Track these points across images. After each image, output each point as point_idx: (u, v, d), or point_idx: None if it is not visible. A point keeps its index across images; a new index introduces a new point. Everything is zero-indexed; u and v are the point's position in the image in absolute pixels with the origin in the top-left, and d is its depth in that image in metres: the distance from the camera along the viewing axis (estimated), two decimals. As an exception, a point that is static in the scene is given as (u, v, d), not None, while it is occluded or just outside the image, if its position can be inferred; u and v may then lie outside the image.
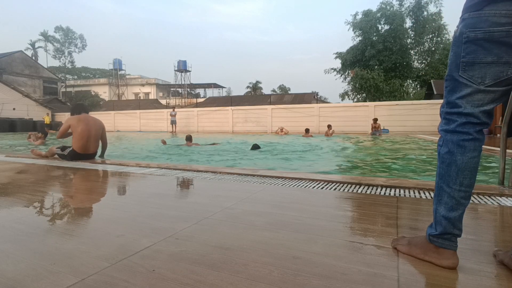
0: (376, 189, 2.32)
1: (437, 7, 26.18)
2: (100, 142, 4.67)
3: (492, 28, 0.96)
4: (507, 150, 2.43)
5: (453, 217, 1.07)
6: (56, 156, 4.46)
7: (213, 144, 8.66)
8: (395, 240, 1.29)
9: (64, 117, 23.01)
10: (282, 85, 52.50)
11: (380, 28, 26.10)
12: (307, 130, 13.89)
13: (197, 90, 43.59)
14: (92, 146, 4.45)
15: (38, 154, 4.77)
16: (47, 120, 22.57)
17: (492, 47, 0.98)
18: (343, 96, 26.84)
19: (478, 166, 1.07)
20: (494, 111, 1.11)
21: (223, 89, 43.95)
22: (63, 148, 4.40)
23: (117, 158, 5.48)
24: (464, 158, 1.05)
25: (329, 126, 14.00)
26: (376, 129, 14.19)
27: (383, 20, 25.76)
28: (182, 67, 37.73)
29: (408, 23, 26.70)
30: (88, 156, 4.40)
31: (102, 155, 4.76)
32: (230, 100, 25.67)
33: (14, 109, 24.41)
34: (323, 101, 32.54)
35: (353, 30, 26.78)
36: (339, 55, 27.73)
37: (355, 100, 25.78)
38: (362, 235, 1.41)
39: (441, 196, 1.09)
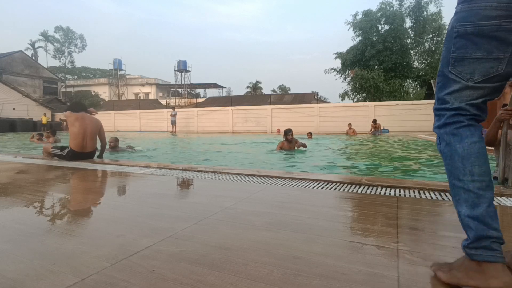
0: (376, 189, 2.32)
1: (437, 7, 26.16)
2: (98, 141, 4.67)
3: (482, 22, 0.92)
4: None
5: (479, 214, 0.94)
6: (54, 157, 4.47)
7: (129, 146, 7.72)
8: (436, 265, 1.09)
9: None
10: (282, 85, 52.53)
11: (380, 28, 26.06)
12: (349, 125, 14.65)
13: (197, 90, 43.60)
14: (89, 144, 4.45)
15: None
16: (44, 120, 22.48)
17: (482, 41, 0.93)
18: (343, 96, 26.80)
19: (485, 153, 0.98)
20: (494, 110, 1.10)
21: (223, 89, 44.01)
22: (62, 149, 4.41)
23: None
24: (464, 145, 0.98)
25: (350, 125, 14.67)
26: (376, 129, 14.29)
27: (383, 20, 25.71)
28: (182, 67, 37.74)
29: (408, 23, 26.66)
30: (86, 155, 4.41)
31: (100, 155, 4.74)
32: (230, 100, 25.67)
33: (14, 109, 24.39)
34: (323, 101, 32.54)
35: (353, 30, 26.74)
36: (339, 55, 27.69)
37: (355, 100, 25.75)
38: (362, 235, 1.41)
39: (458, 195, 1.00)
